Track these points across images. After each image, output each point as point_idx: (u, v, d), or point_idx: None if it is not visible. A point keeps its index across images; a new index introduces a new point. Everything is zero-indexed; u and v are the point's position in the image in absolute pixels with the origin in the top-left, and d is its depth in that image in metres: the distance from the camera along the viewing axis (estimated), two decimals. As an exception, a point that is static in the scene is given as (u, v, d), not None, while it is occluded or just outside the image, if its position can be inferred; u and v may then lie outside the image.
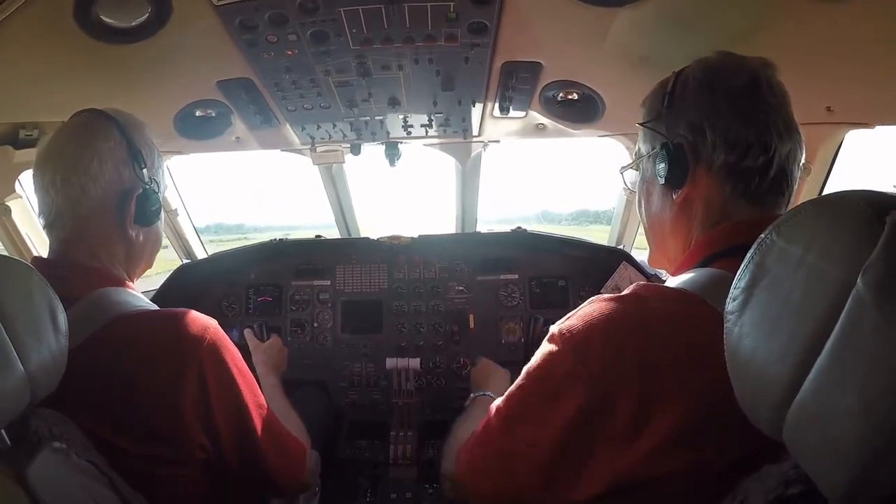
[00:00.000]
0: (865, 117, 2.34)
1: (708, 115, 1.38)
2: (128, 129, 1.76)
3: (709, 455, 1.16)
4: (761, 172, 1.34)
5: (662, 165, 1.45)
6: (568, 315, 1.35)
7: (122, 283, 1.72)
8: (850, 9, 1.63)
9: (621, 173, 1.72)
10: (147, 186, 1.76)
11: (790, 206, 2.54)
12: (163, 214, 1.91)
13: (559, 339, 1.32)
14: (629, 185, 1.66)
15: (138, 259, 1.85)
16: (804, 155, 1.42)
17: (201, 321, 1.64)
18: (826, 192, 2.65)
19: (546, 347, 1.36)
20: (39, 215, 1.74)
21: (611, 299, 1.30)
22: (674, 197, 1.45)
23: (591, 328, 1.27)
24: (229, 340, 1.69)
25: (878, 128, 2.39)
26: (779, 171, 1.35)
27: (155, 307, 1.71)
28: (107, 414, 1.46)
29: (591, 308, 1.31)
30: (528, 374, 1.39)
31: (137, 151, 1.75)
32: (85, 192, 1.67)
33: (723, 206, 1.38)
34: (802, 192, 2.60)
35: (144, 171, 1.76)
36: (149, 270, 1.96)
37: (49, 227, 1.72)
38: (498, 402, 1.48)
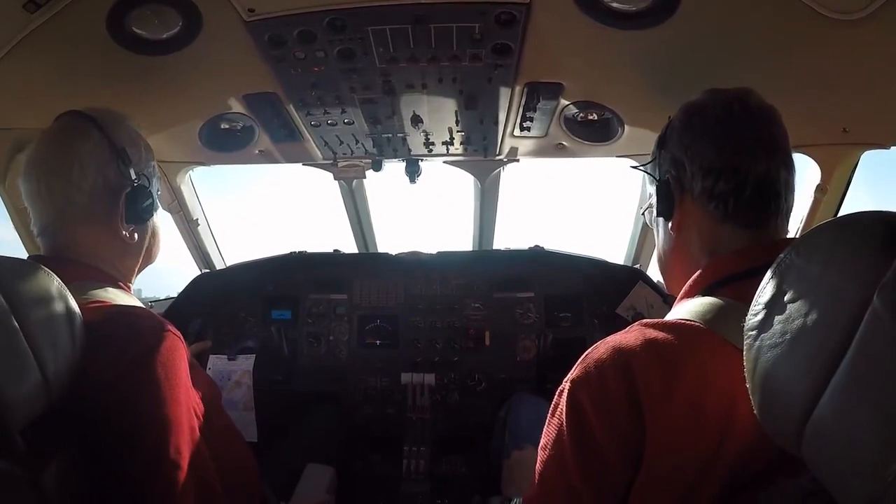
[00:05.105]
0: (881, 138, 2.34)
1: (686, 149, 1.48)
2: (108, 126, 1.70)
3: (720, 471, 1.18)
4: (736, 192, 1.40)
5: (655, 200, 1.59)
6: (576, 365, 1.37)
7: (110, 282, 1.68)
8: (865, 31, 1.66)
9: (643, 214, 1.81)
10: (135, 184, 1.71)
11: (801, 228, 2.57)
12: (158, 206, 1.85)
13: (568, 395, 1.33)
14: (651, 224, 1.73)
15: (135, 258, 1.82)
16: (794, 172, 1.46)
17: (158, 321, 1.54)
18: (842, 212, 2.65)
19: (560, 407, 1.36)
20: (31, 225, 1.71)
21: (614, 346, 1.31)
22: (669, 227, 1.54)
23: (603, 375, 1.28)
24: (182, 352, 1.54)
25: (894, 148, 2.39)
26: (755, 189, 1.40)
27: (134, 304, 1.65)
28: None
29: (598, 353, 1.32)
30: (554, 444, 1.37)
31: (121, 149, 1.70)
32: (70, 200, 1.64)
33: (712, 230, 1.45)
34: (818, 213, 2.60)
35: (130, 168, 1.70)
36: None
37: (40, 235, 1.70)
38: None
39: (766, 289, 0.94)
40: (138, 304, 1.70)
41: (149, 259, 1.89)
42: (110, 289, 1.64)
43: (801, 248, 0.90)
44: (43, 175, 1.66)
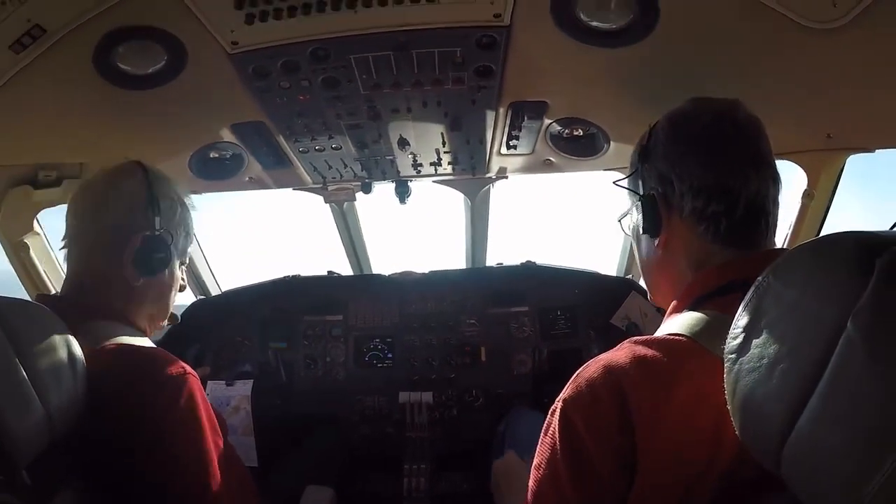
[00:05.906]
0: (865, 142, 2.35)
1: (674, 165, 1.44)
2: (153, 178, 1.77)
3: (710, 483, 1.18)
4: (727, 214, 1.38)
5: (639, 217, 1.53)
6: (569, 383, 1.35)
7: (120, 318, 1.70)
8: (844, 39, 1.67)
9: (619, 222, 1.75)
10: (157, 232, 1.73)
11: (790, 235, 2.57)
12: (176, 267, 1.86)
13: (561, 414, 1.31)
14: (628, 232, 1.71)
15: (139, 304, 1.78)
16: (780, 187, 1.44)
17: (177, 364, 1.55)
18: (831, 216, 2.66)
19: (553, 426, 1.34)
20: (65, 259, 1.76)
21: (605, 364, 1.29)
22: (655, 244, 1.51)
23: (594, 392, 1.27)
24: (202, 392, 1.59)
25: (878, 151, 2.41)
26: (746, 210, 1.38)
27: (145, 344, 1.66)
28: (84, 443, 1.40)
29: (588, 372, 1.31)
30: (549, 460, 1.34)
31: (155, 199, 1.74)
32: (95, 219, 1.71)
33: (701, 248, 1.42)
34: (806, 219, 2.61)
35: (157, 218, 1.73)
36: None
37: (67, 247, 1.76)
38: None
39: (744, 312, 0.95)
40: (150, 343, 1.71)
41: (153, 313, 1.85)
42: (120, 326, 1.65)
43: (779, 270, 0.91)
44: (83, 195, 1.77)
